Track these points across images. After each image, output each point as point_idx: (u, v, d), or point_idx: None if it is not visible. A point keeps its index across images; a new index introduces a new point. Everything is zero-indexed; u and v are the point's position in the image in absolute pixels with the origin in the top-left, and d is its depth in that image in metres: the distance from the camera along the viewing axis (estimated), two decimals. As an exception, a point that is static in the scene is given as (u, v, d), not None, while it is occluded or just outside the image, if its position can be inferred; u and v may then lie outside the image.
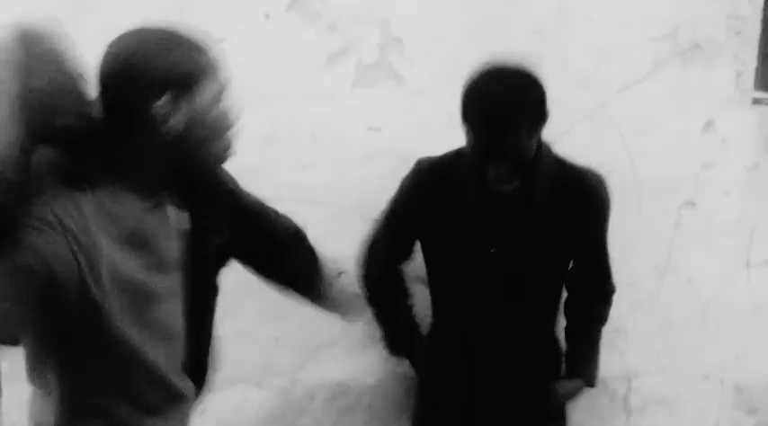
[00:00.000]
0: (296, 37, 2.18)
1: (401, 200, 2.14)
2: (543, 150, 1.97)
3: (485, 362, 2.09)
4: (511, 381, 2.09)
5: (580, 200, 2.02)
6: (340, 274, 1.93)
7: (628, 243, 2.39)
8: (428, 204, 2.06)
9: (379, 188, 2.29)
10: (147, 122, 1.25)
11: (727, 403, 2.66)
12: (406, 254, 2.21)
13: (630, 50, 2.34)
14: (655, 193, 2.43)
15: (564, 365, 2.21)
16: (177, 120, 1.25)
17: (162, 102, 1.23)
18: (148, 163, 1.30)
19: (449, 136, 2.20)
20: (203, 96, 1.27)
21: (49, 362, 1.33)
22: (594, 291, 2.19)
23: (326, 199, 2.29)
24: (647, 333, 2.54)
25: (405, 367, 2.43)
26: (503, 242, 1.97)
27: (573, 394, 2.21)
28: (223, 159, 1.36)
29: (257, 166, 2.17)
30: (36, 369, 1.38)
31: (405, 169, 2.25)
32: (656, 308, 2.53)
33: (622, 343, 2.47)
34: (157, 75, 1.23)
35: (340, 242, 2.30)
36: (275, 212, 1.75)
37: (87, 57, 2.03)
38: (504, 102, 1.79)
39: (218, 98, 1.29)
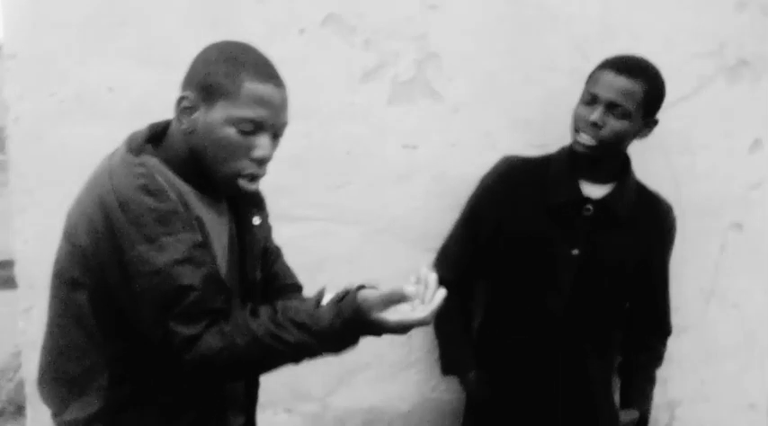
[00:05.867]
0: (331, 52, 2.13)
1: (484, 196, 2.10)
2: (630, 167, 2.03)
3: (546, 379, 2.05)
4: (570, 402, 2.05)
5: (653, 223, 2.05)
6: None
7: (672, 266, 2.31)
8: (512, 200, 2.03)
9: (414, 207, 2.24)
10: (176, 109, 1.39)
11: (774, 434, 2.56)
12: (481, 261, 2.13)
13: (675, 67, 2.25)
14: (700, 215, 2.35)
15: (618, 396, 2.19)
16: (191, 118, 1.37)
17: (187, 95, 1.36)
18: (178, 147, 1.41)
19: (485, 154, 2.15)
20: (218, 112, 1.34)
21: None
22: (652, 327, 2.19)
23: (360, 219, 2.24)
24: (692, 360, 2.45)
25: (438, 392, 2.36)
26: (579, 247, 1.97)
27: (629, 424, 2.16)
28: (232, 187, 1.41)
29: (290, 185, 2.14)
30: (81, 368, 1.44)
31: (440, 188, 2.21)
32: (701, 334, 2.44)
33: (665, 370, 2.37)
34: (195, 72, 1.37)
35: (373, 262, 2.25)
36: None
37: (122, 67, 2.03)
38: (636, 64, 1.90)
39: (231, 123, 1.35)
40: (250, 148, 1.37)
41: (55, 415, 1.50)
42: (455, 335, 2.19)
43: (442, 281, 2.12)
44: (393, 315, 1.31)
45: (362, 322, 1.32)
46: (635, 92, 1.84)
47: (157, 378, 1.43)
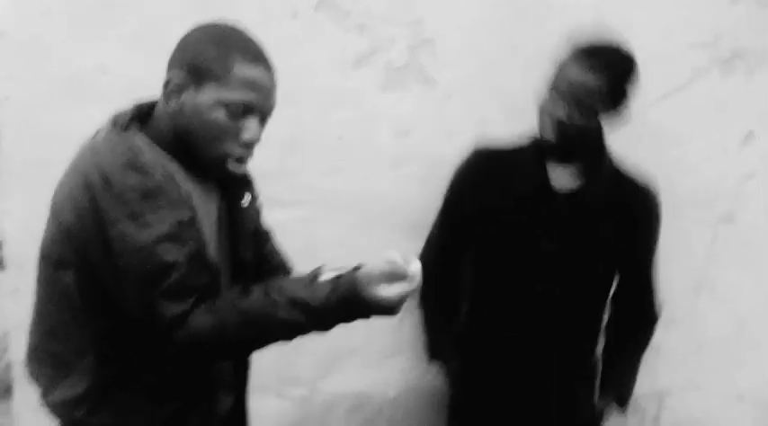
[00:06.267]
0: (324, 37, 2.12)
1: (456, 188, 2.07)
2: (608, 157, 1.97)
3: (525, 371, 2.03)
4: (549, 393, 2.04)
5: (633, 208, 1.98)
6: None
7: (662, 257, 2.31)
8: (485, 193, 1.98)
9: (407, 194, 2.23)
10: (164, 90, 1.37)
11: (761, 424, 2.57)
12: (463, 250, 2.09)
13: (669, 58, 2.26)
14: (691, 206, 2.35)
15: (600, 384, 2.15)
16: (178, 99, 1.35)
17: (176, 75, 1.34)
18: (165, 127, 1.39)
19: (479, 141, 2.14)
20: (207, 94, 1.33)
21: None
22: (638, 313, 2.14)
23: (352, 205, 2.23)
24: (681, 351, 2.46)
25: (426, 380, 2.37)
26: (554, 243, 1.92)
27: (605, 410, 2.15)
28: (220, 169, 1.40)
29: (283, 169, 2.13)
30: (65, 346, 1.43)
31: (433, 175, 2.19)
32: (691, 326, 2.44)
33: (654, 361, 2.39)
34: (183, 53, 1.36)
35: (365, 248, 2.24)
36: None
37: (118, 49, 2.02)
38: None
39: (221, 105, 1.33)
40: (238, 131, 1.36)
41: (43, 396, 1.50)
42: (439, 323, 2.18)
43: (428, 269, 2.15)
44: (386, 289, 1.32)
45: (357, 299, 1.32)
46: (601, 86, 1.77)
47: (144, 358, 1.42)
